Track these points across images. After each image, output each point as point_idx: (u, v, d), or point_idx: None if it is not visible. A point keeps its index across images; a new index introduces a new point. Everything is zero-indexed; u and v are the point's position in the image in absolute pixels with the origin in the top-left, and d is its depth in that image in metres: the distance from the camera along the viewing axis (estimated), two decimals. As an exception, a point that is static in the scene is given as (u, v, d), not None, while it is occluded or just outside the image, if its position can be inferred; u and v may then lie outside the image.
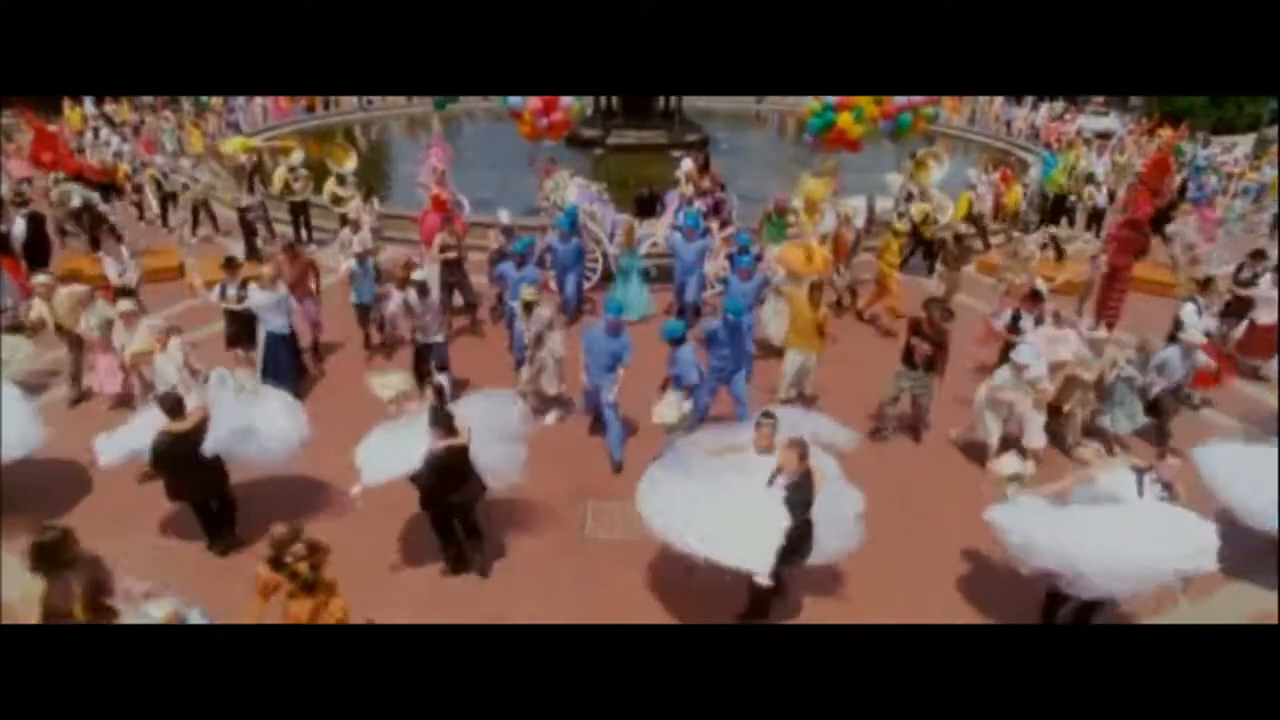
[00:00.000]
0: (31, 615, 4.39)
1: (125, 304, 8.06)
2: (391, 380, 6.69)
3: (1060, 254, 13.50)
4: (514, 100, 14.19)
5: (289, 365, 8.70)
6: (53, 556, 4.51)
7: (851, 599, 6.10)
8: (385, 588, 6.06)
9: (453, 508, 6.09)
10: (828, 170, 12.56)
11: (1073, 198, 15.16)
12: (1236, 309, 10.09)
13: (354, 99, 27.34)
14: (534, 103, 13.90)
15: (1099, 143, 19.10)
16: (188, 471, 6.21)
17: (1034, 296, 8.78)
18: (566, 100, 14.38)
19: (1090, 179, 15.82)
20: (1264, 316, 9.81)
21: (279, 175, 13.86)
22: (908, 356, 8.11)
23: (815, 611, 5.97)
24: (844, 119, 13.91)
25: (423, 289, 8.38)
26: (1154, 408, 8.16)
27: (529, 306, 8.12)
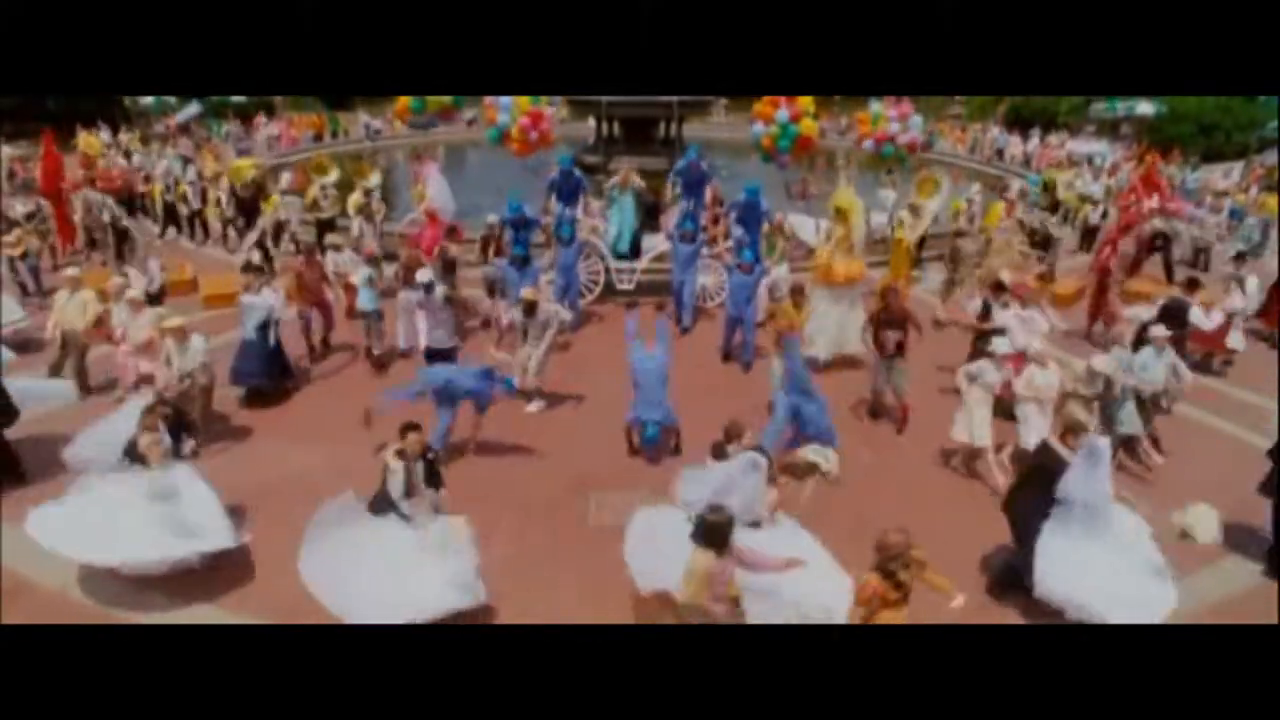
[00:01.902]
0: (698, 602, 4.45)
1: (132, 292, 8.37)
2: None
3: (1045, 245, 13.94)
4: (501, 119, 14.58)
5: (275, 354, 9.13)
6: (721, 537, 4.62)
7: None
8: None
9: None
10: (846, 178, 12.92)
11: (1062, 216, 15.56)
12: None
13: (361, 129, 27.97)
14: (523, 121, 14.32)
15: (1094, 164, 19.74)
16: None
17: (998, 286, 9.09)
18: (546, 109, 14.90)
19: (1085, 199, 16.32)
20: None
21: (310, 192, 14.27)
22: (881, 348, 8.45)
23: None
24: (806, 125, 14.40)
25: (429, 287, 8.63)
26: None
27: (531, 306, 8.38)
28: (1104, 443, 5.73)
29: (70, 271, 9.22)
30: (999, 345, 7.79)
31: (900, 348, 8.44)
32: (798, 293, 9.01)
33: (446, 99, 16.18)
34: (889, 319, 8.45)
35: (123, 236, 13.19)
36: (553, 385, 9.19)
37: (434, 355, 8.79)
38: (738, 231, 10.94)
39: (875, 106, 15.41)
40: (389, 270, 11.81)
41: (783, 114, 14.33)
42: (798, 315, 8.81)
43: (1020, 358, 7.90)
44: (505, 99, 14.49)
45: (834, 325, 10.00)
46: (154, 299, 9.75)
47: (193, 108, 27.26)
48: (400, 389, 7.58)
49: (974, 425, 7.63)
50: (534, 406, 8.91)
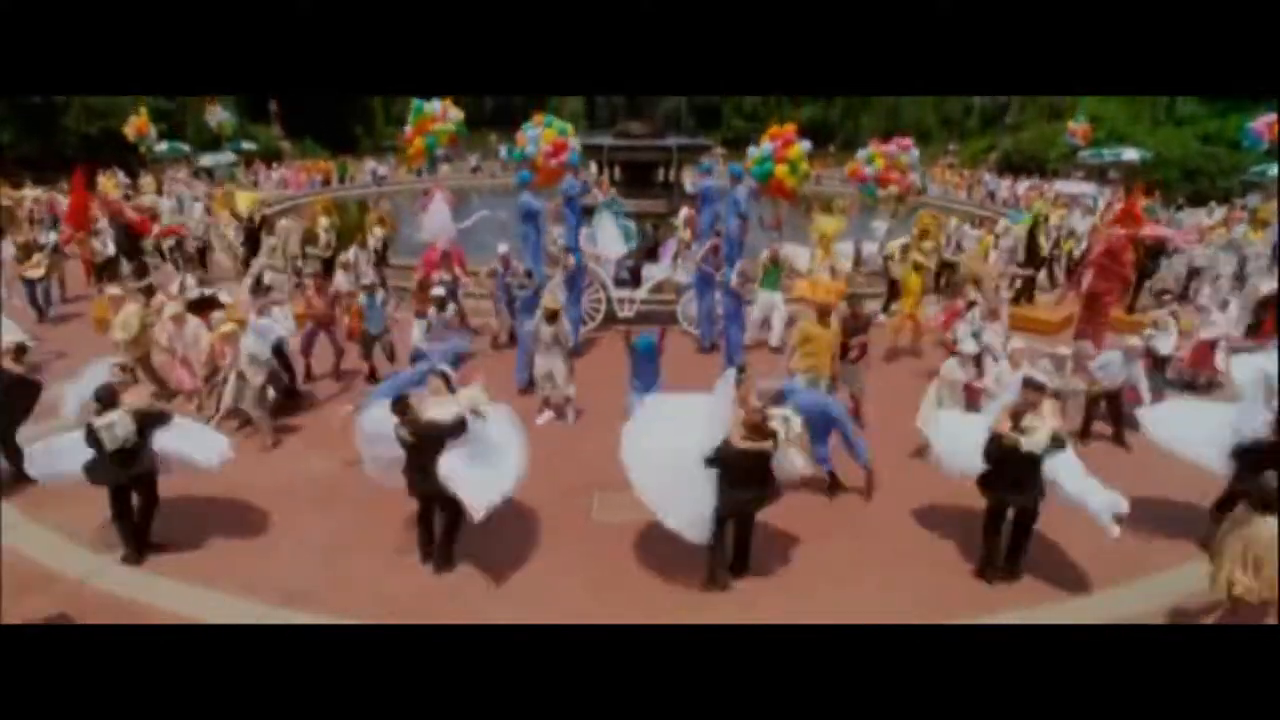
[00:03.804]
0: None
1: (172, 307, 8.66)
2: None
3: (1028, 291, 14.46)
4: (529, 150, 15.28)
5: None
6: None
7: (847, 598, 6.29)
8: (393, 580, 6.37)
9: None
10: (841, 209, 13.48)
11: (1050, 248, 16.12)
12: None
13: (368, 175, 28.82)
14: (545, 149, 15.01)
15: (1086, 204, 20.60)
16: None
17: (970, 305, 9.63)
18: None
19: (1070, 235, 16.93)
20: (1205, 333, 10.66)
21: (316, 231, 14.86)
22: (844, 354, 8.92)
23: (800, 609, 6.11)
24: (780, 170, 14.93)
25: (442, 303, 9.03)
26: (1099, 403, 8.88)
27: (553, 315, 8.86)
28: None
29: (112, 290, 9.61)
30: (965, 345, 8.34)
31: (863, 350, 9.05)
32: (824, 314, 9.04)
33: (452, 127, 16.94)
34: (855, 327, 9.02)
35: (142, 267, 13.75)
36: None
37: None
38: (732, 225, 11.24)
39: (863, 152, 16.18)
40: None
41: (768, 147, 14.96)
42: (826, 333, 8.84)
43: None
44: (533, 132, 15.32)
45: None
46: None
47: (226, 156, 28.42)
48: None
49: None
50: (544, 418, 9.23)
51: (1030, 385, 6.33)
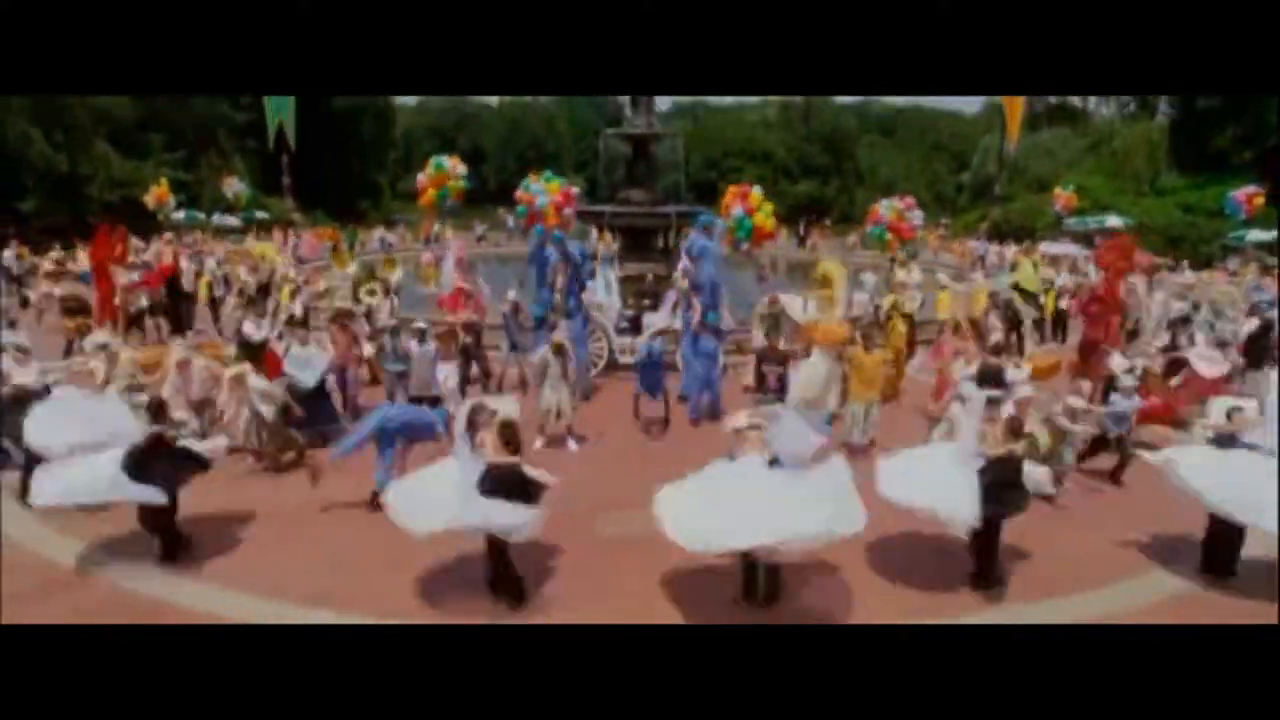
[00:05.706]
0: None
1: (180, 352, 8.82)
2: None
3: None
4: (540, 201, 16.18)
5: (330, 410, 9.69)
6: None
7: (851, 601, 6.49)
8: (403, 584, 6.58)
9: None
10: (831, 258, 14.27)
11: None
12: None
13: (376, 242, 29.77)
14: (556, 199, 15.92)
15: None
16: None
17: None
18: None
19: (1051, 290, 17.66)
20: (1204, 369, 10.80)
21: (329, 282, 15.59)
22: (761, 382, 9.18)
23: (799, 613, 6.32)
24: (759, 219, 16.02)
25: (422, 335, 9.58)
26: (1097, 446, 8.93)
27: (561, 349, 9.32)
28: None
29: (100, 340, 10.05)
30: (964, 388, 8.39)
31: (781, 383, 9.19)
32: (869, 331, 9.52)
33: (462, 184, 17.98)
34: (772, 358, 9.31)
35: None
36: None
37: (415, 401, 9.45)
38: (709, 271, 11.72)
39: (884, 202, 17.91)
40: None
41: (738, 210, 16.00)
42: (873, 359, 9.35)
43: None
44: (537, 187, 16.23)
45: (824, 383, 10.66)
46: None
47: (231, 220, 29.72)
48: (354, 435, 7.97)
49: None
50: (539, 446, 9.53)
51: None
